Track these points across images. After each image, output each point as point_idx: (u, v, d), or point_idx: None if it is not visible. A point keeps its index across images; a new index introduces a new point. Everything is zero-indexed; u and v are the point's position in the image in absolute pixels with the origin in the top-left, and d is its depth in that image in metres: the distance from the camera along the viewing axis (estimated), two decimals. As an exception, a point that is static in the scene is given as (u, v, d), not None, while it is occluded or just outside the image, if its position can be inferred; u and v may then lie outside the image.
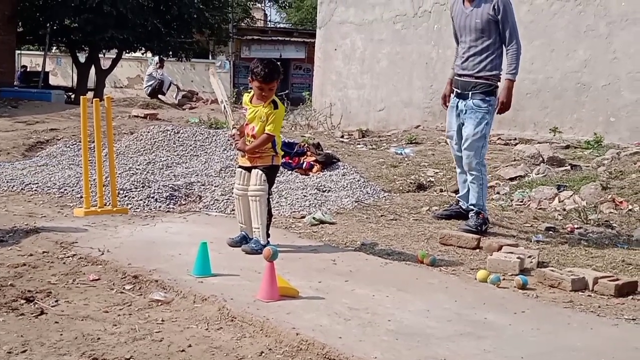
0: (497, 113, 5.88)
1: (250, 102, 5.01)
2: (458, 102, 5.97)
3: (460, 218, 6.19)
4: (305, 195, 6.98)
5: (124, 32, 19.19)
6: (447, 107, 6.21)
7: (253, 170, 4.91)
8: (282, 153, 5.22)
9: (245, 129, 5.00)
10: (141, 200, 6.51)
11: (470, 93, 5.84)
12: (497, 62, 5.85)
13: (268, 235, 4.94)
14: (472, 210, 5.94)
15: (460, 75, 5.95)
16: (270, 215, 5.01)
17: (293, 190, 7.11)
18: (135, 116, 12.39)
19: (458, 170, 6.27)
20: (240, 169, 5.04)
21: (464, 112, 5.90)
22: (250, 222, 4.99)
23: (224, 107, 5.24)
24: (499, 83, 5.91)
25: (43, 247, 4.86)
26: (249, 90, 5.20)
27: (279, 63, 5.10)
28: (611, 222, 6.27)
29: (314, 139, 9.65)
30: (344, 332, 3.34)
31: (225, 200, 6.59)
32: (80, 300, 3.84)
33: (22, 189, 6.87)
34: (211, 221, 6.01)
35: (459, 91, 5.96)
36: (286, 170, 7.81)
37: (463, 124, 5.95)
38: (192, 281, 4.10)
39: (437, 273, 4.64)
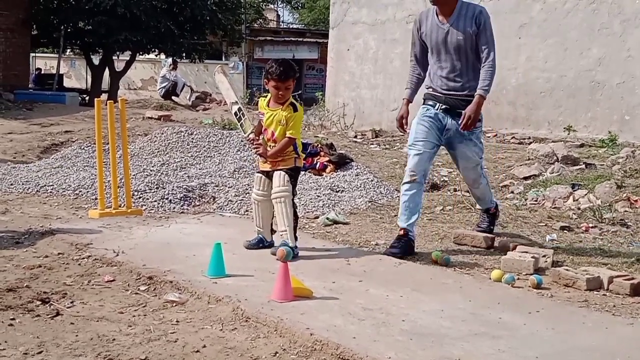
0: (460, 128, 5.22)
1: (268, 106, 4.95)
2: (443, 116, 5.30)
3: (411, 253, 5.11)
4: (318, 196, 6.98)
5: (137, 34, 19.26)
6: (404, 130, 5.57)
7: (275, 172, 4.84)
8: (304, 155, 5.16)
9: (264, 134, 4.94)
10: (155, 201, 6.53)
11: (463, 112, 5.19)
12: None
13: (296, 238, 4.87)
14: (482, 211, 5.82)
15: (444, 95, 5.31)
16: (296, 216, 4.95)
17: (306, 191, 7.12)
18: (149, 118, 12.46)
19: (410, 191, 5.21)
20: (259, 175, 4.98)
21: (454, 130, 5.28)
22: (267, 226, 4.98)
23: (239, 109, 5.14)
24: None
25: (58, 248, 4.89)
26: (264, 95, 5.15)
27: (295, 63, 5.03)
28: (626, 220, 6.23)
29: (327, 139, 9.66)
30: (358, 332, 3.34)
31: (239, 201, 6.60)
32: (95, 302, 3.86)
33: (37, 190, 6.92)
34: (225, 222, 6.02)
35: (444, 106, 5.29)
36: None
37: (442, 138, 5.35)
38: (206, 282, 4.11)
39: (451, 273, 4.63)
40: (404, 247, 5.05)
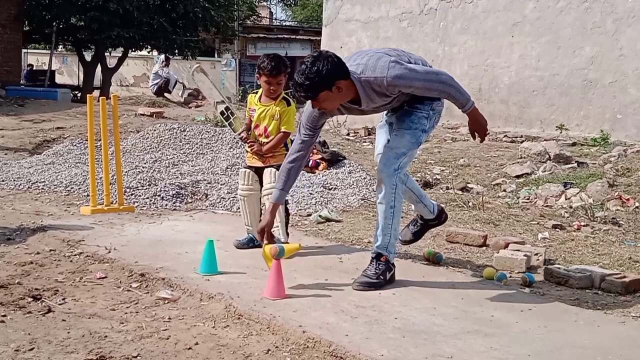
0: (480, 141, 4.31)
1: (260, 101, 4.94)
2: (390, 116, 4.43)
3: (430, 227, 4.88)
4: (311, 193, 6.98)
5: (130, 30, 19.24)
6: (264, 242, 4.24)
7: (266, 169, 4.85)
8: None
9: (255, 130, 4.93)
10: (148, 198, 6.52)
11: (405, 103, 4.24)
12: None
13: (287, 234, 4.88)
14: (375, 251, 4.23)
15: None
16: (287, 213, 4.94)
17: (299, 188, 7.11)
18: (141, 114, 12.44)
19: None
20: (244, 170, 4.98)
21: (396, 121, 4.32)
22: (257, 223, 4.95)
23: (227, 108, 5.11)
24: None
25: (50, 245, 4.87)
26: (255, 91, 5.14)
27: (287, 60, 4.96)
28: (618, 219, 6.25)
29: (320, 136, 9.65)
30: (351, 329, 3.34)
31: (231, 199, 6.59)
32: (87, 298, 3.85)
33: (28, 187, 6.90)
34: (217, 219, 6.02)
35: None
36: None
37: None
38: (198, 279, 4.10)
39: (444, 271, 4.64)
40: (416, 232, 4.82)
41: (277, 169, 4.80)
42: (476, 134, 4.19)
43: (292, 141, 5.00)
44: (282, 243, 4.68)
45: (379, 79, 3.94)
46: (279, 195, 4.24)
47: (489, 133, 4.26)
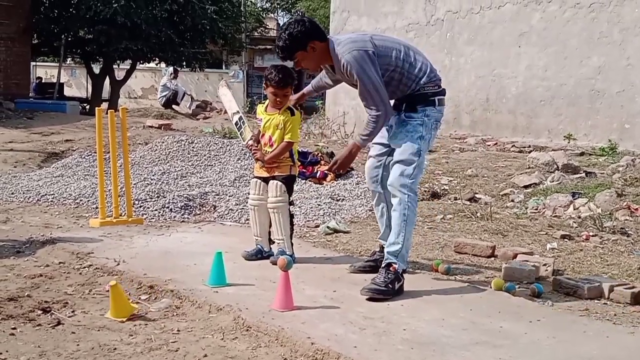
0: (328, 170, 4.59)
1: (266, 111, 4.98)
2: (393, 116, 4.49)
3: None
4: (319, 204, 6.98)
5: (137, 42, 19.30)
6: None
7: (271, 182, 4.86)
8: (299, 163, 5.18)
9: (261, 139, 4.97)
10: (156, 210, 6.53)
11: (403, 105, 4.43)
12: (417, 74, 4.39)
13: (292, 245, 4.90)
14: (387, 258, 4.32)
15: None
16: (292, 225, 4.96)
17: (307, 200, 7.12)
18: (149, 126, 12.48)
19: (373, 202, 4.96)
20: (255, 179, 5.00)
21: (394, 125, 4.48)
22: (265, 234, 4.98)
23: (240, 118, 5.18)
24: (438, 88, 4.46)
25: (59, 257, 4.89)
26: (263, 101, 5.19)
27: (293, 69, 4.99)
28: (627, 229, 6.23)
29: (328, 147, 9.67)
30: (359, 341, 3.34)
31: (239, 210, 6.60)
32: (96, 311, 3.86)
33: (38, 199, 6.93)
34: (226, 231, 6.03)
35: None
36: (300, 179, 7.81)
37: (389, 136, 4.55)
38: (207, 291, 4.11)
39: (452, 282, 4.63)
40: (369, 263, 4.78)
41: (282, 181, 4.84)
42: (336, 163, 4.55)
43: (297, 151, 5.05)
44: (289, 255, 4.72)
45: (339, 54, 4.30)
46: (309, 89, 5.06)
47: (340, 173, 4.46)
